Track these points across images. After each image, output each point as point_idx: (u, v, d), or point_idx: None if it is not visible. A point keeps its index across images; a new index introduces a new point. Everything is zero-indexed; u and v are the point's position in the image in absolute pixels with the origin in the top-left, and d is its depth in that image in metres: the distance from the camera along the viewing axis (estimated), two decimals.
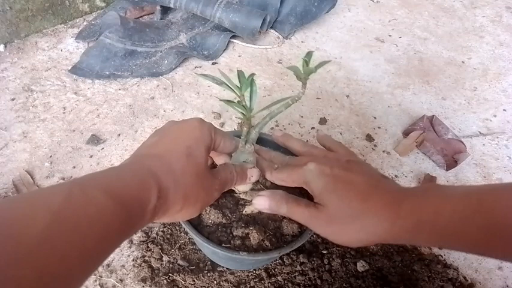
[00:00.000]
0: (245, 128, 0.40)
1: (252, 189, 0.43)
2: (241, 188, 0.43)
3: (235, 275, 0.52)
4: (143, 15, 0.97)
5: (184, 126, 0.37)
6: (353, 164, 0.40)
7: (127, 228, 0.29)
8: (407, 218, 0.34)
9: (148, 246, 0.54)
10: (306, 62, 0.36)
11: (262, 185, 0.44)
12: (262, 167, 0.43)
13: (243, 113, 0.38)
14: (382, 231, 0.35)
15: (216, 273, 0.52)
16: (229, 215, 0.42)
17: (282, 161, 0.44)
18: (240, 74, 0.37)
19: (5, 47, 0.83)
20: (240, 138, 0.49)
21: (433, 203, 0.33)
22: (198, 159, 0.35)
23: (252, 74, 0.37)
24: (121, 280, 0.52)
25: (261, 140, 0.49)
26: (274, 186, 0.44)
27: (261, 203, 0.40)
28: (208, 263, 0.53)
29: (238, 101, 0.37)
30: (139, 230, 0.55)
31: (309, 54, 0.37)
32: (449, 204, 0.32)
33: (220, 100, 0.38)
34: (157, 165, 0.33)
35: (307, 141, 0.72)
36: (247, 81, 0.37)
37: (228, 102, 0.38)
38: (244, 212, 0.42)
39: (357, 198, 0.36)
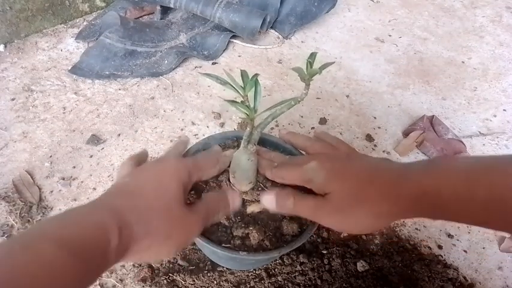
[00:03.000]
0: (248, 129, 0.40)
1: (252, 189, 0.43)
2: (241, 188, 0.43)
3: (235, 275, 0.52)
4: (143, 15, 0.97)
5: (159, 166, 0.37)
6: (353, 156, 0.41)
7: (88, 274, 0.27)
8: (411, 191, 0.34)
9: None
10: (310, 64, 0.36)
11: (262, 184, 0.44)
12: (262, 165, 0.43)
13: (246, 114, 0.38)
14: (387, 211, 0.35)
15: (216, 273, 0.52)
16: (230, 214, 0.42)
17: (282, 160, 0.44)
18: (244, 74, 0.37)
19: (5, 47, 0.83)
20: (235, 138, 0.49)
21: (435, 176, 0.34)
22: (168, 193, 0.34)
23: (256, 75, 0.37)
24: (121, 280, 0.52)
25: (261, 141, 0.49)
26: (274, 186, 0.44)
27: (269, 201, 0.39)
28: (208, 263, 0.53)
29: (241, 101, 0.37)
30: None
31: (313, 55, 0.36)
32: (451, 178, 0.33)
33: (225, 100, 0.38)
34: (121, 202, 0.32)
35: None
36: (251, 82, 0.37)
37: (233, 102, 0.37)
38: (246, 211, 0.42)
39: (359, 183, 0.36)
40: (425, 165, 0.36)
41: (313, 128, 0.75)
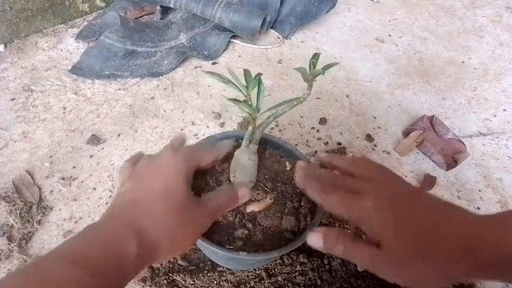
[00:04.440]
0: (250, 128, 0.40)
1: (252, 189, 0.43)
2: None
3: (235, 275, 0.52)
4: (143, 15, 0.97)
5: (157, 165, 0.37)
6: (413, 195, 0.36)
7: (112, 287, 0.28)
8: (490, 253, 0.30)
9: None
10: (313, 64, 0.35)
11: (263, 184, 0.44)
12: (312, 187, 0.38)
13: (249, 113, 0.38)
14: (459, 271, 0.31)
15: (216, 273, 0.52)
16: (229, 214, 0.42)
17: (332, 180, 0.39)
18: (247, 73, 0.37)
19: (5, 47, 0.83)
20: (235, 138, 0.49)
21: None
22: (178, 194, 0.35)
23: (259, 74, 0.37)
24: None
25: (263, 141, 0.49)
26: (274, 187, 0.44)
27: (315, 241, 0.36)
28: (208, 263, 0.53)
29: (244, 100, 0.37)
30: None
31: (316, 56, 0.36)
32: None
33: (228, 99, 0.38)
34: (135, 213, 0.33)
35: (307, 141, 0.72)
36: (254, 81, 0.36)
37: (236, 101, 0.37)
38: (246, 211, 0.42)
39: (426, 235, 0.32)
40: (506, 223, 0.32)
41: (313, 128, 0.75)
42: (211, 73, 0.38)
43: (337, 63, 0.37)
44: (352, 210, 0.35)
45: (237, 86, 0.36)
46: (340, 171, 0.42)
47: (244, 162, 0.41)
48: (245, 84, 0.37)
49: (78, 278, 0.26)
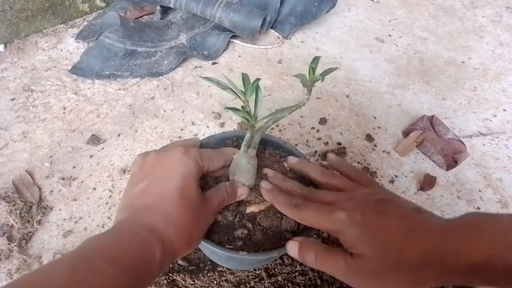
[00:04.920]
0: (248, 134, 0.40)
1: (252, 190, 0.43)
2: None
3: (235, 275, 0.52)
4: (143, 15, 0.97)
5: (169, 163, 0.37)
6: (383, 204, 0.37)
7: (137, 286, 0.30)
8: (458, 259, 0.31)
9: None
10: (313, 69, 0.35)
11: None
12: (280, 201, 0.39)
13: (247, 120, 0.38)
14: (431, 278, 0.32)
15: (216, 273, 0.52)
16: (229, 214, 0.42)
17: (301, 194, 0.40)
18: (245, 78, 0.37)
19: (5, 47, 0.83)
20: (235, 138, 0.49)
21: (482, 247, 0.31)
22: (191, 195, 0.36)
23: (257, 79, 0.36)
24: None
25: (262, 141, 0.49)
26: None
27: (291, 250, 0.37)
28: (208, 263, 0.53)
29: (242, 106, 0.37)
30: None
31: (316, 60, 0.36)
32: (500, 247, 0.30)
33: (225, 108, 0.38)
34: (154, 217, 0.34)
35: (307, 141, 0.72)
36: (252, 87, 0.36)
37: (234, 110, 0.37)
38: (245, 211, 0.42)
39: (396, 245, 0.33)
40: (467, 230, 0.33)
41: (313, 128, 0.75)
42: (209, 79, 0.37)
43: (336, 68, 0.37)
44: (327, 223, 0.36)
45: (235, 93, 0.36)
46: (312, 181, 0.43)
47: (243, 166, 0.41)
48: (243, 90, 0.36)
49: (116, 275, 0.28)
